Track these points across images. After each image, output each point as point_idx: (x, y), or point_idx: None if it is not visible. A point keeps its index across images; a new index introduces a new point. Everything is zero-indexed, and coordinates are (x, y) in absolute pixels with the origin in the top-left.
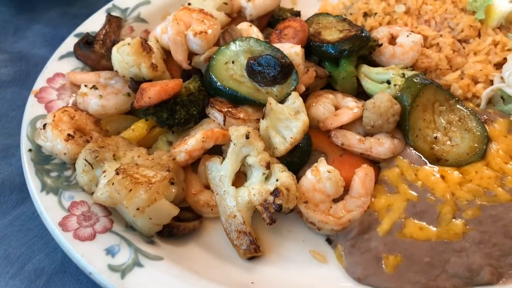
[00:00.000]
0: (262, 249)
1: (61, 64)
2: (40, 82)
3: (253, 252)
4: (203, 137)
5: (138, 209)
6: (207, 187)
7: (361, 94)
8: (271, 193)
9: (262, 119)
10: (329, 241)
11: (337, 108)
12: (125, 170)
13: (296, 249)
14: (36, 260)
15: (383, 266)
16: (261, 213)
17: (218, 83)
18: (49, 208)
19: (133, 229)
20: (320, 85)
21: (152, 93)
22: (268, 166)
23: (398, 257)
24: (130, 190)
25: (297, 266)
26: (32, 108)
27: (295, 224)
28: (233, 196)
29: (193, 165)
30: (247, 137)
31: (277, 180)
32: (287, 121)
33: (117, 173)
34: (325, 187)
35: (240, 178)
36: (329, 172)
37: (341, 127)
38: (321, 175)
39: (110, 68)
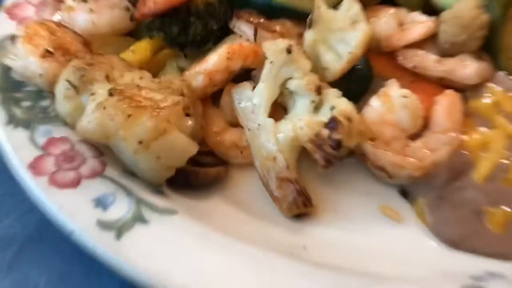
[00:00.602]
0: (314, 203)
1: None
2: None
3: (302, 207)
4: (228, 53)
5: (141, 142)
6: (233, 124)
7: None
8: (326, 125)
9: (309, 28)
10: (404, 193)
11: (401, 24)
12: (122, 91)
13: (359, 204)
14: (3, 225)
15: (487, 223)
16: (312, 153)
17: None
18: (17, 145)
19: (134, 175)
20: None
21: None
22: (319, 90)
23: (507, 212)
24: (129, 115)
25: (363, 227)
26: (1, 25)
27: (356, 171)
28: (271, 132)
29: (213, 98)
30: (289, 51)
31: (333, 108)
32: (342, 32)
33: (111, 94)
34: (398, 118)
35: (277, 112)
36: (404, 97)
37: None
38: (392, 101)
39: None
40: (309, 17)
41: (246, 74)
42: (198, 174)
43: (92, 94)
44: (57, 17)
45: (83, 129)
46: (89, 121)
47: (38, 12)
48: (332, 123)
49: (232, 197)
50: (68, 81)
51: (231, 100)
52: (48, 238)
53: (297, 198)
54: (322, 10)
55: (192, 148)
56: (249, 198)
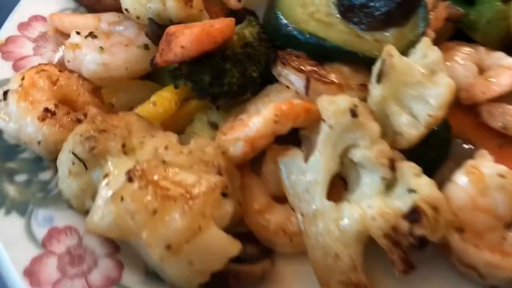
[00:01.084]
0: None
1: (41, 2)
2: (8, 29)
3: None
4: (276, 115)
5: (169, 247)
6: (279, 198)
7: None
8: (406, 216)
9: (377, 83)
10: None
11: (481, 68)
12: (145, 172)
13: None
14: None
15: None
16: (388, 253)
17: (291, 27)
18: (10, 240)
19: (158, 277)
20: (446, 34)
21: (187, 39)
22: (392, 165)
23: None
24: (155, 211)
25: None
26: None
27: (435, 265)
28: (333, 220)
29: (253, 163)
30: (354, 114)
31: (412, 191)
32: (419, 87)
33: (130, 179)
34: (494, 203)
35: (335, 187)
36: (501, 176)
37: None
38: (485, 180)
39: (116, 8)
40: (378, 67)
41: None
42: (239, 275)
43: (106, 175)
44: (59, 54)
45: (94, 225)
46: (102, 216)
47: (37, 49)
48: (414, 214)
49: None
50: (75, 154)
51: (276, 168)
52: None
53: None
54: (395, 59)
55: (234, 249)
56: None
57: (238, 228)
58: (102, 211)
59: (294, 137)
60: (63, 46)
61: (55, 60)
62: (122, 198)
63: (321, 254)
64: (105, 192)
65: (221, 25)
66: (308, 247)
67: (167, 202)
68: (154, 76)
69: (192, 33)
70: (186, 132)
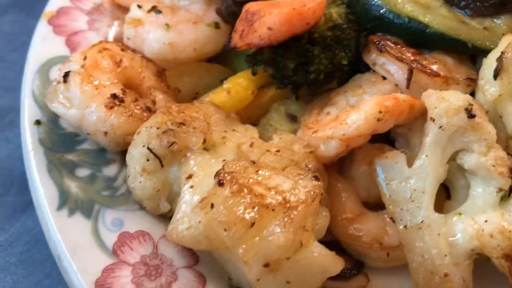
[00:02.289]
0: None
1: None
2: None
3: None
4: (380, 111)
5: (267, 265)
6: (370, 204)
7: None
8: None
9: (494, 79)
10: None
11: None
12: (235, 175)
13: None
14: None
15: None
16: (507, 276)
17: (386, 9)
18: (76, 246)
19: None
20: None
21: (276, 19)
22: (511, 175)
23: None
24: (253, 223)
25: None
26: (44, 44)
27: None
28: (441, 234)
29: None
30: (470, 114)
31: None
32: None
33: (221, 183)
34: None
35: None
36: None
37: None
38: None
39: None
40: (494, 61)
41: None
42: None
43: (189, 177)
44: (114, 30)
45: (179, 236)
46: (190, 226)
47: (91, 24)
48: None
49: None
50: (150, 150)
51: (370, 171)
52: None
53: None
54: None
55: (336, 267)
56: None
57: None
58: (189, 220)
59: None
60: (118, 22)
61: (111, 37)
62: (212, 206)
63: (427, 272)
64: (190, 196)
65: (314, 4)
66: (410, 263)
67: (265, 213)
68: (222, 59)
69: (282, 13)
70: (261, 124)
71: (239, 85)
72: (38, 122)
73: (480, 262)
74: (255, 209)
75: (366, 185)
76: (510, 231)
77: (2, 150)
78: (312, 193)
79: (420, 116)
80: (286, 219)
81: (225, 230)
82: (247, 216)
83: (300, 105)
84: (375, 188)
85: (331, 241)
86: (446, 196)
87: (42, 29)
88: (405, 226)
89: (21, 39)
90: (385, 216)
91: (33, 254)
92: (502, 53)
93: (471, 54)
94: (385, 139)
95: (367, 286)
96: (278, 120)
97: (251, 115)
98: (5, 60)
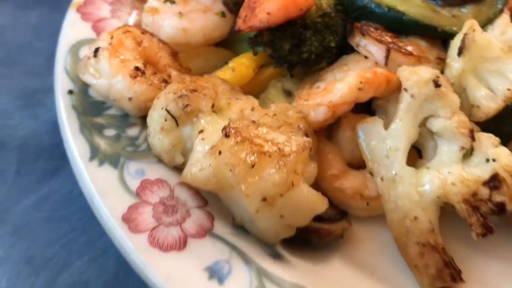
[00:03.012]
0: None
1: None
2: None
3: (449, 281)
4: (361, 81)
5: (265, 199)
6: (354, 164)
7: None
8: (486, 183)
9: (459, 55)
10: None
11: None
12: (239, 130)
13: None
14: (75, 268)
15: None
16: (466, 217)
17: (369, 0)
18: (104, 190)
19: (243, 230)
20: None
21: (274, 5)
22: (472, 135)
23: None
24: (253, 165)
25: None
26: (73, 28)
27: (507, 235)
28: (412, 185)
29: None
30: (437, 84)
31: (491, 159)
32: (498, 62)
33: (227, 135)
34: None
35: (409, 155)
36: None
37: None
38: None
39: None
40: (459, 41)
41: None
42: (320, 233)
43: (201, 131)
44: (133, 18)
45: (193, 177)
46: (201, 169)
47: (114, 12)
48: (494, 182)
49: (356, 259)
50: (167, 111)
51: (353, 136)
52: None
53: (444, 270)
54: (476, 34)
55: (322, 205)
56: (377, 262)
57: None
58: (201, 164)
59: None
60: (137, 11)
61: (130, 23)
62: (220, 152)
63: (400, 216)
64: (201, 146)
65: None
66: (386, 210)
67: (264, 158)
68: (226, 43)
69: (279, 0)
70: (261, 98)
71: (242, 64)
72: (70, 92)
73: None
74: (255, 155)
75: (350, 148)
76: (468, 180)
77: (32, 125)
78: (302, 145)
79: (396, 90)
80: (280, 163)
81: (230, 170)
82: (248, 160)
83: (294, 82)
84: (357, 151)
85: None
86: (418, 156)
87: (72, 16)
88: (381, 179)
89: (46, 31)
90: (365, 173)
91: (60, 211)
92: (465, 34)
93: (442, 39)
94: (367, 111)
95: (350, 230)
96: (275, 95)
97: (252, 90)
98: (33, 48)
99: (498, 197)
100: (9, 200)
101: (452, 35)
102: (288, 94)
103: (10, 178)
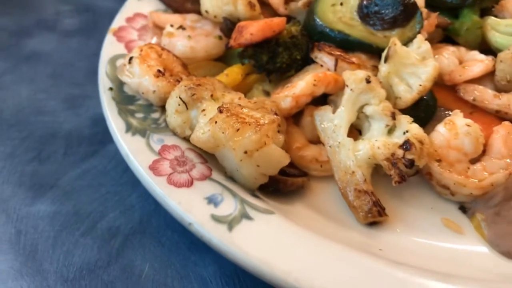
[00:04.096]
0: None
1: (140, 4)
2: (119, 21)
3: (376, 216)
4: (315, 80)
5: (246, 152)
6: (312, 141)
7: (483, 52)
8: (401, 146)
9: (385, 62)
10: (463, 209)
11: (460, 61)
12: (229, 108)
13: (424, 217)
14: (110, 218)
15: None
16: (387, 170)
17: (325, 26)
18: (136, 150)
19: (233, 180)
20: (437, 38)
21: (255, 29)
22: (393, 116)
23: None
24: (238, 129)
25: (429, 236)
26: (111, 46)
27: (419, 189)
28: (351, 150)
29: (293, 118)
30: (368, 81)
31: (406, 131)
32: (413, 67)
33: (221, 111)
34: (462, 144)
35: (352, 133)
36: (468, 125)
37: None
38: (457, 129)
39: (194, 12)
40: (385, 52)
41: (322, 98)
42: (287, 182)
43: (203, 110)
44: (154, 40)
45: (197, 138)
46: (203, 132)
47: (140, 36)
48: (406, 145)
49: (312, 204)
50: (180, 98)
51: (312, 120)
52: (150, 231)
53: (373, 208)
54: (397, 47)
55: (286, 159)
56: (328, 206)
57: None
58: (202, 129)
59: (322, 103)
60: (156, 36)
61: None
62: (215, 122)
63: (343, 172)
64: (203, 119)
65: (278, 21)
66: (333, 169)
67: (245, 125)
68: (223, 59)
69: (259, 25)
70: (247, 96)
71: (233, 71)
72: (110, 89)
73: (380, 175)
74: (239, 124)
75: (310, 129)
76: (389, 144)
77: (75, 121)
78: (272, 119)
79: (342, 88)
80: (257, 128)
81: (223, 133)
82: (235, 126)
83: (271, 85)
84: (315, 131)
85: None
86: (359, 134)
87: (110, 38)
88: (330, 147)
89: (84, 53)
90: (320, 146)
91: (98, 180)
92: (389, 47)
93: (377, 53)
94: (323, 104)
95: (308, 184)
96: (257, 94)
97: (240, 91)
98: (74, 66)
99: (409, 156)
100: (60, 172)
101: (383, 50)
102: (267, 94)
103: (59, 157)
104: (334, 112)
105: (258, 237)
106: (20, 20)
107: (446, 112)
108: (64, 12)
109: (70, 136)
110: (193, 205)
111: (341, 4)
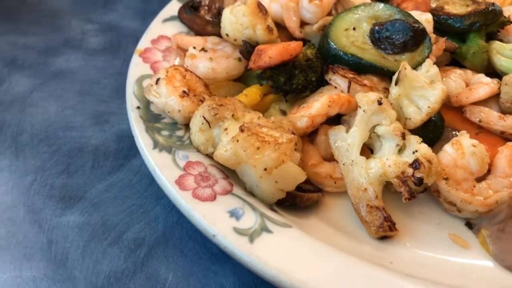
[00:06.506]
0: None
1: (164, 27)
2: (144, 43)
3: (387, 230)
4: (329, 101)
5: (265, 169)
6: (326, 159)
7: (489, 75)
8: (410, 165)
9: (395, 85)
10: (469, 225)
11: (467, 84)
12: (249, 128)
13: (432, 232)
14: (135, 229)
15: None
16: (397, 187)
17: (338, 50)
18: (163, 166)
19: (252, 195)
20: (445, 61)
21: (273, 52)
22: (403, 136)
23: None
24: (258, 148)
25: (437, 250)
26: (137, 67)
27: (428, 205)
28: (363, 168)
29: (309, 137)
30: (380, 103)
31: (415, 151)
32: (422, 90)
33: (242, 130)
34: (468, 163)
35: (364, 152)
36: (474, 146)
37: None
38: (464, 149)
39: (215, 35)
40: (396, 75)
41: (336, 118)
42: (303, 198)
43: (225, 129)
44: (178, 61)
45: (220, 155)
46: (226, 150)
47: (165, 57)
48: (416, 164)
49: (327, 218)
50: (204, 117)
51: (326, 139)
52: (173, 242)
53: (384, 223)
54: (407, 71)
55: (302, 176)
56: (341, 220)
57: None
58: (225, 147)
59: (336, 122)
60: (180, 57)
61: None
62: (237, 140)
63: (355, 188)
64: (226, 137)
65: (295, 45)
66: (347, 185)
67: (265, 144)
68: (241, 79)
69: (277, 48)
70: (264, 115)
71: (252, 91)
72: (138, 107)
73: (391, 192)
74: (259, 142)
75: (324, 147)
76: (399, 163)
77: (101, 137)
78: (290, 138)
79: (355, 109)
80: (275, 147)
81: (244, 150)
82: (255, 144)
83: (288, 105)
84: (329, 149)
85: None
86: (371, 153)
87: (136, 59)
88: (343, 164)
89: (109, 71)
90: (334, 163)
91: (124, 193)
92: (399, 71)
93: (388, 76)
94: (337, 123)
95: (323, 199)
96: (274, 113)
97: (259, 110)
98: (100, 83)
99: (418, 174)
100: (88, 185)
101: (394, 73)
102: (283, 113)
103: (87, 171)
104: (347, 131)
105: (277, 249)
106: (48, 39)
107: (454, 133)
108: (89, 31)
109: (97, 150)
110: (217, 218)
111: (354, 28)
